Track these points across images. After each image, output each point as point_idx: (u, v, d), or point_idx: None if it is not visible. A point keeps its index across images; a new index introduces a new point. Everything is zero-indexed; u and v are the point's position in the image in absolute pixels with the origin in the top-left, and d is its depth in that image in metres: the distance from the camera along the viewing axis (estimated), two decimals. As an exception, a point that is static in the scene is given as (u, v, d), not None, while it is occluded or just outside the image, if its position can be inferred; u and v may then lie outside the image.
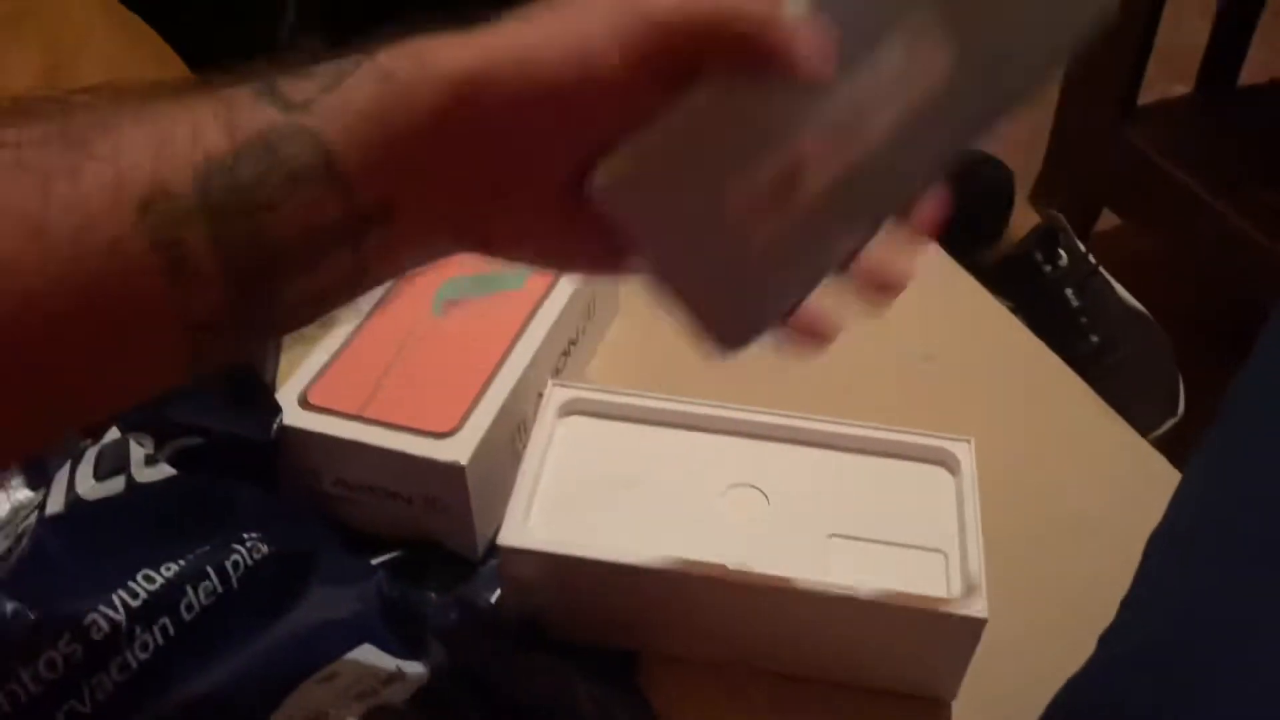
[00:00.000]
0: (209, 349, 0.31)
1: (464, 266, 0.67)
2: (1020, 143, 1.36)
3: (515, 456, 0.58)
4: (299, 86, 0.31)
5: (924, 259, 0.80)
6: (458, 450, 0.55)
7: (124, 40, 0.64)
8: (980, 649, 0.51)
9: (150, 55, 0.66)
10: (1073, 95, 1.29)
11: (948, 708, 0.54)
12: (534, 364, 0.61)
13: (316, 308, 0.33)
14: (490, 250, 0.37)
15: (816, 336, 0.39)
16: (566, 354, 0.67)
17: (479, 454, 0.56)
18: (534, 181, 0.35)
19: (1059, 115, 1.33)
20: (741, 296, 0.38)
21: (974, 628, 0.50)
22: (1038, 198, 1.39)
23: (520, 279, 0.66)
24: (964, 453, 0.57)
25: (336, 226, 0.31)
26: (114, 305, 0.28)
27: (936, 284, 0.81)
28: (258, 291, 0.30)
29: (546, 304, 0.65)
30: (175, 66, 0.67)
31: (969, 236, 1.03)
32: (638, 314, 0.75)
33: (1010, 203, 1.25)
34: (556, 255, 0.39)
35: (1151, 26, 1.19)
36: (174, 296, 0.29)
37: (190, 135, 0.29)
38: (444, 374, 0.60)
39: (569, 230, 0.36)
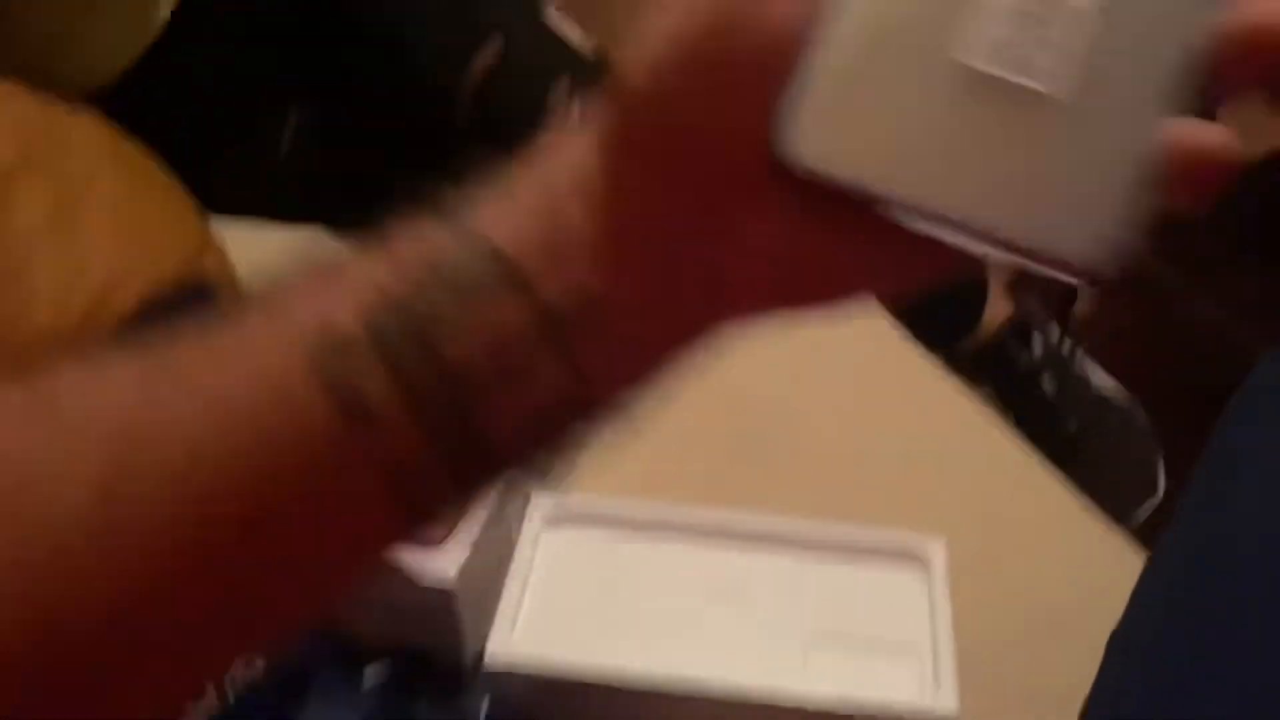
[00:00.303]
0: (422, 497, 0.28)
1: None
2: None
3: (503, 567, 0.60)
4: (457, 202, 0.29)
5: (897, 353, 0.84)
6: (446, 565, 0.57)
7: (130, 177, 0.67)
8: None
9: (157, 191, 0.69)
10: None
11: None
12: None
13: (541, 432, 0.29)
14: (735, 303, 0.30)
15: (1208, 170, 0.26)
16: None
17: (467, 569, 0.58)
18: (737, 171, 0.28)
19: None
20: (1072, 189, 0.26)
21: (944, 729, 0.52)
22: (1013, 286, 1.42)
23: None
24: (936, 551, 0.60)
25: (526, 334, 0.27)
26: (300, 463, 0.27)
27: (911, 378, 0.83)
28: (453, 423, 0.27)
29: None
30: (182, 201, 0.70)
31: (944, 328, 1.06)
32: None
33: (984, 292, 1.28)
34: (819, 277, 0.29)
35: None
36: (359, 442, 0.27)
37: (354, 273, 0.28)
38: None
39: (812, 231, 0.28)
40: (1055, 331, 1.28)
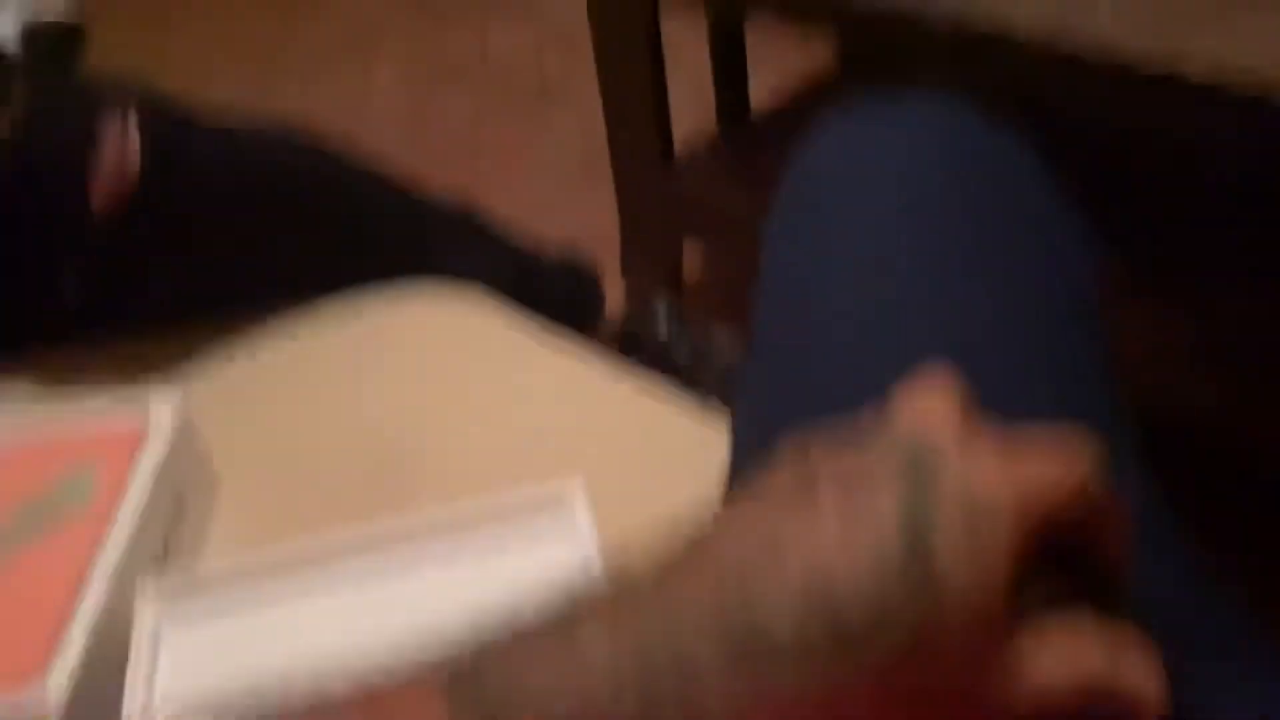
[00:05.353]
0: None
1: (18, 498, 0.61)
2: (601, 226, 1.43)
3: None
4: None
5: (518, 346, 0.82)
6: (47, 698, 0.49)
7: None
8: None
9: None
10: (619, 165, 1.37)
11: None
12: (120, 579, 0.56)
13: None
14: None
15: None
16: (165, 552, 0.62)
17: (79, 691, 0.50)
18: None
19: (618, 189, 1.40)
20: None
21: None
22: (627, 271, 1.45)
23: (85, 489, 0.60)
24: (575, 492, 0.57)
25: None
26: None
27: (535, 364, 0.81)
28: None
29: (123, 504, 0.59)
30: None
31: (567, 326, 1.06)
32: (243, 483, 0.71)
33: (599, 285, 1.29)
34: None
35: (660, 78, 1.28)
36: None
37: None
38: (17, 634, 0.53)
39: None
40: (674, 305, 1.31)
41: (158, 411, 0.66)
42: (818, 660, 0.26)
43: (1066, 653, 0.29)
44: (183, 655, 0.52)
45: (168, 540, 0.63)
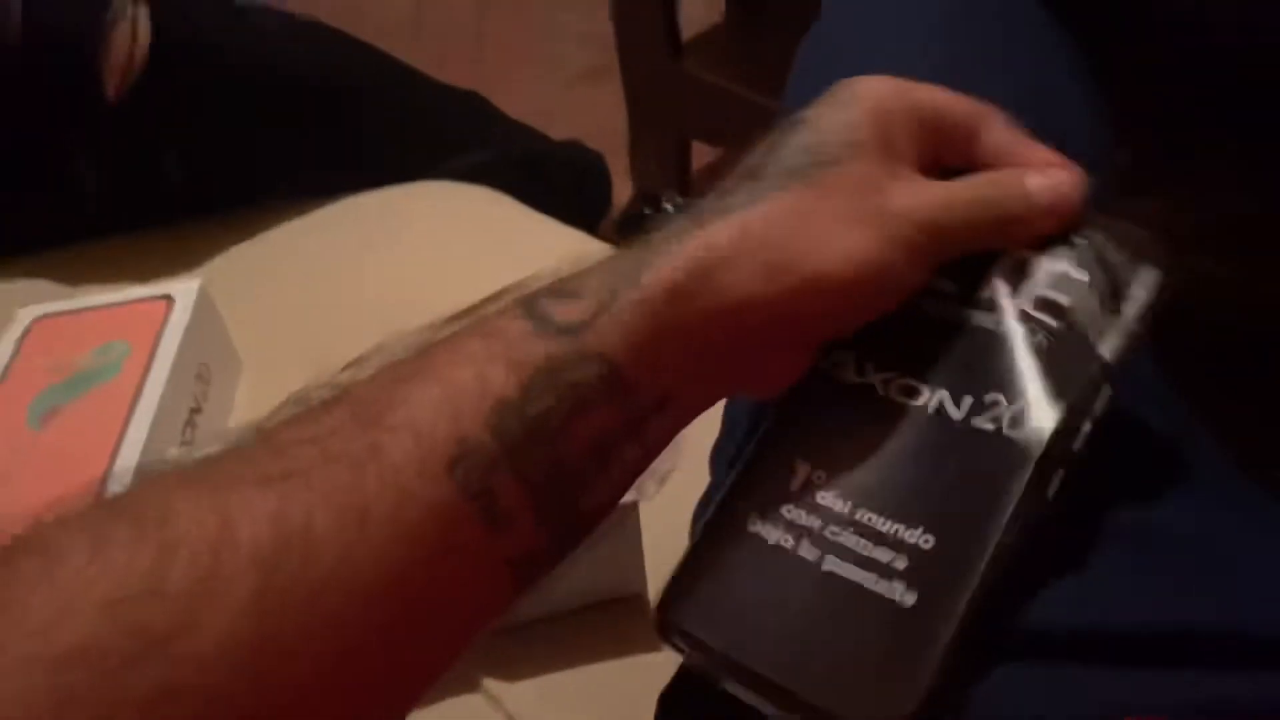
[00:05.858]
0: (536, 576, 0.31)
1: (51, 375, 0.63)
2: (606, 128, 1.43)
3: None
4: (567, 309, 0.31)
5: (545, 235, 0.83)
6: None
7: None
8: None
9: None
10: (627, 60, 1.36)
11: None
12: (151, 443, 0.58)
13: (613, 504, 0.34)
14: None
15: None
16: (192, 425, 0.64)
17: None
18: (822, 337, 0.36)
19: (626, 84, 1.40)
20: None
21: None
22: (635, 169, 1.46)
23: (115, 368, 0.63)
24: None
25: (622, 430, 0.32)
26: (441, 566, 0.29)
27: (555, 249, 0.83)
28: (561, 511, 0.31)
29: (148, 383, 0.62)
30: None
31: (578, 216, 1.07)
32: (263, 365, 0.73)
33: (607, 178, 1.30)
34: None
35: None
36: (493, 540, 0.29)
37: (478, 383, 0.30)
38: (58, 485, 0.56)
39: None
40: (679, 198, 1.32)
41: (180, 293, 0.68)
42: (785, 186, 0.34)
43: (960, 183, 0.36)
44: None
45: (194, 416, 0.65)
